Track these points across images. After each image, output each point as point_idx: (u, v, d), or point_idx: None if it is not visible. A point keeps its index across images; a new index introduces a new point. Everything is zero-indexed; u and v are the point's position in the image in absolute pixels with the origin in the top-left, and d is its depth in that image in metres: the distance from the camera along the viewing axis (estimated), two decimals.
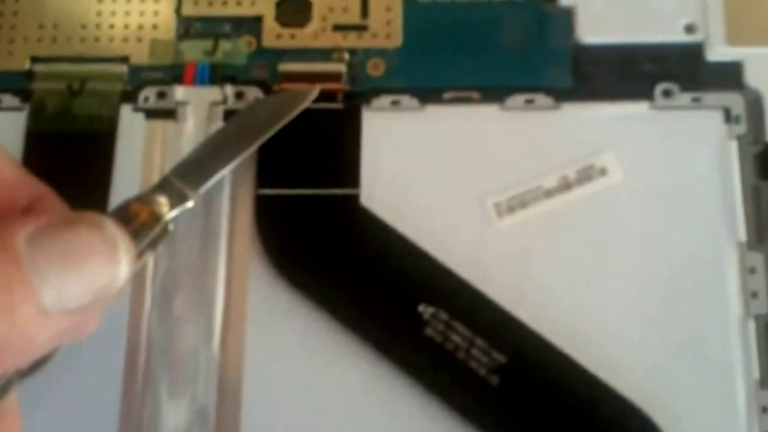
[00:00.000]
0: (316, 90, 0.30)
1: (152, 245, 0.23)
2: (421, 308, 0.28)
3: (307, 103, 0.30)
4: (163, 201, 0.24)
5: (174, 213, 0.24)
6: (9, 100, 0.32)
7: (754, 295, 0.29)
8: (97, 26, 0.33)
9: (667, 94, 0.31)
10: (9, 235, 0.19)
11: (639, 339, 0.28)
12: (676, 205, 0.30)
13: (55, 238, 0.19)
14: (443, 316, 0.28)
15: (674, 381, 0.28)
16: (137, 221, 0.22)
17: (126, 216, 0.22)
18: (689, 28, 0.32)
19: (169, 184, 0.25)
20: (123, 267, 0.20)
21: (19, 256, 0.18)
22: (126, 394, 0.29)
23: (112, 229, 0.20)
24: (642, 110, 0.31)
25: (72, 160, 0.31)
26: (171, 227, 0.24)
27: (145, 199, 0.23)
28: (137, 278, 0.29)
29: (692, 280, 0.29)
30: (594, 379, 0.28)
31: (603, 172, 0.30)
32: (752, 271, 0.29)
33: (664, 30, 0.32)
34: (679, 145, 0.30)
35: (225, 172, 0.27)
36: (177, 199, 0.24)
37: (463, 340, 0.28)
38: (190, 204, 0.25)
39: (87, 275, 0.19)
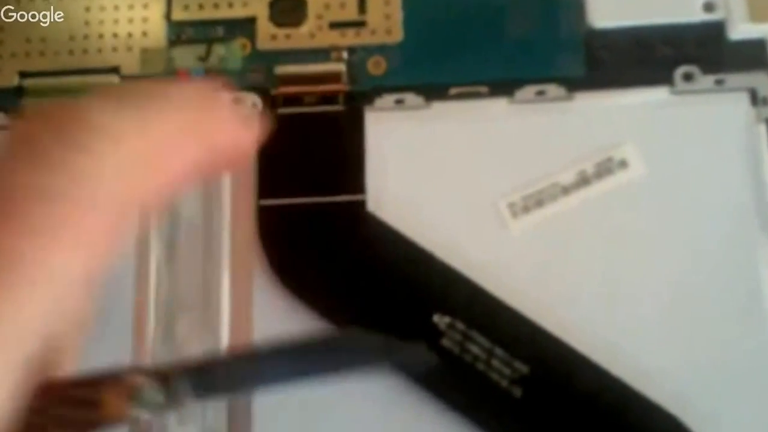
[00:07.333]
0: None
1: None
2: (436, 318, 0.28)
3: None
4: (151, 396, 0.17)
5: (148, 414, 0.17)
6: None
7: None
8: (86, 37, 0.32)
9: (687, 77, 0.30)
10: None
11: (669, 341, 0.28)
12: (703, 195, 0.29)
13: None
14: (460, 326, 0.28)
15: (708, 383, 0.27)
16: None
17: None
18: (708, 6, 0.31)
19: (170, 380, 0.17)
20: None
21: None
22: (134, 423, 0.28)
23: None
24: (662, 96, 0.30)
25: None
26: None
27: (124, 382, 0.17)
28: (138, 303, 0.29)
29: (723, 277, 0.28)
30: (621, 384, 0.27)
31: (623, 164, 0.29)
32: None
33: (681, 9, 0.31)
34: (704, 132, 0.29)
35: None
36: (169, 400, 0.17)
37: (482, 351, 0.27)
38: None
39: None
